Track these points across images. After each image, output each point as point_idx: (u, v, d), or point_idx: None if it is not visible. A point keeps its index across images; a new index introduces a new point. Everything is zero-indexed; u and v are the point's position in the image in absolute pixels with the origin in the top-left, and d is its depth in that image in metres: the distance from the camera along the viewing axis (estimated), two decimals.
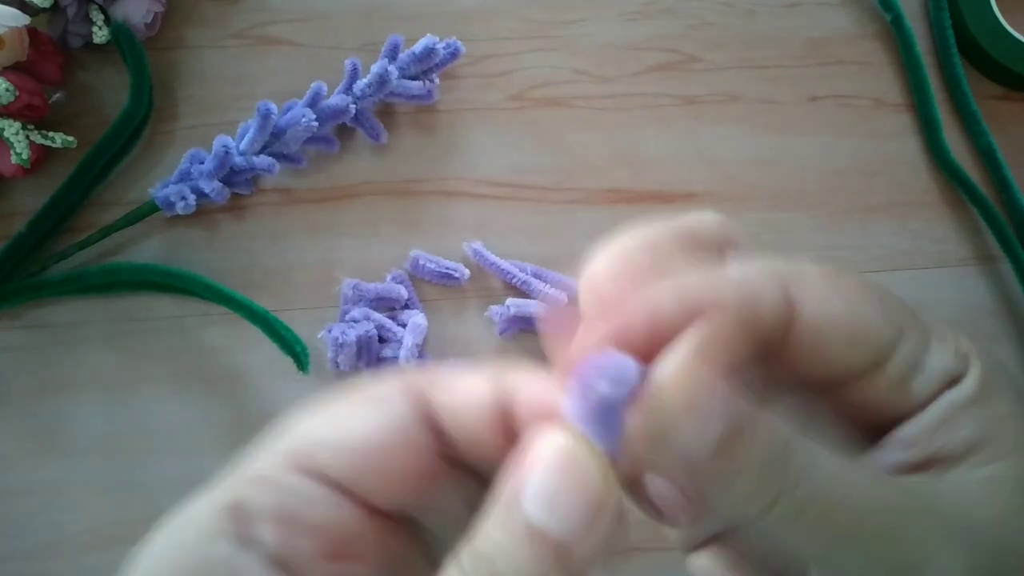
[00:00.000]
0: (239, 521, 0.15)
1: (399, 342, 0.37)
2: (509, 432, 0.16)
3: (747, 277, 0.16)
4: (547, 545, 0.14)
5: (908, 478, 0.16)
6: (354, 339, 0.36)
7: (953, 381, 0.16)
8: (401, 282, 0.38)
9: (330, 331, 0.36)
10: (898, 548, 0.15)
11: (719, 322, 0.15)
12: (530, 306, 0.37)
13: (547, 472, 0.14)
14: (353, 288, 0.37)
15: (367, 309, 0.37)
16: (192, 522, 0.15)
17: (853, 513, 0.15)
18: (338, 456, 0.16)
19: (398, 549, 0.17)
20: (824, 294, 0.16)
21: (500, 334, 0.38)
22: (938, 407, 0.16)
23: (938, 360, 0.16)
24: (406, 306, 0.38)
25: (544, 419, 0.15)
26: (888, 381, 0.16)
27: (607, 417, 0.14)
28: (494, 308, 0.38)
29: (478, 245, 0.38)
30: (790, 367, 0.17)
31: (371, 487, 0.16)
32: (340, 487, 0.16)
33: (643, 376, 0.15)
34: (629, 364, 0.14)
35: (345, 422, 0.16)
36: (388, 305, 0.38)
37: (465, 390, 0.16)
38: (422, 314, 0.37)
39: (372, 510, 0.16)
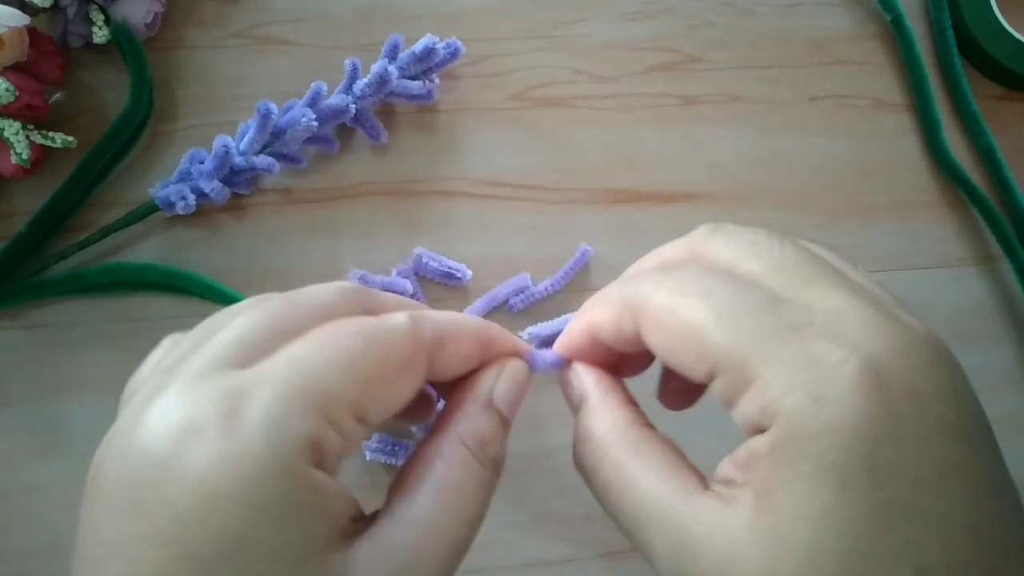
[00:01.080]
0: (320, 456, 0.18)
1: None
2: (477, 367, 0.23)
3: (598, 315, 0.22)
4: (504, 423, 0.22)
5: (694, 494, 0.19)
6: None
7: (754, 428, 0.18)
8: (407, 277, 0.38)
9: None
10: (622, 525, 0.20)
11: (571, 345, 0.24)
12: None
13: (513, 383, 0.23)
14: (360, 279, 0.37)
15: None
16: (286, 450, 0.17)
17: (600, 486, 0.21)
18: (383, 414, 0.20)
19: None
20: (655, 324, 0.20)
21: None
22: (745, 447, 0.18)
23: (744, 408, 0.18)
24: None
25: (510, 355, 0.23)
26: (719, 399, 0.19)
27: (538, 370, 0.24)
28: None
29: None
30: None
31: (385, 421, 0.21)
32: (368, 422, 0.20)
33: (560, 363, 0.24)
34: (556, 356, 0.24)
35: (394, 388, 0.20)
36: None
37: (464, 353, 0.22)
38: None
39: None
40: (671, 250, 0.22)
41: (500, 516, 0.36)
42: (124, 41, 0.38)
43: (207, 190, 0.36)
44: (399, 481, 0.20)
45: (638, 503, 0.19)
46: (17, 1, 0.36)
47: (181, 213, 0.37)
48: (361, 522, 0.19)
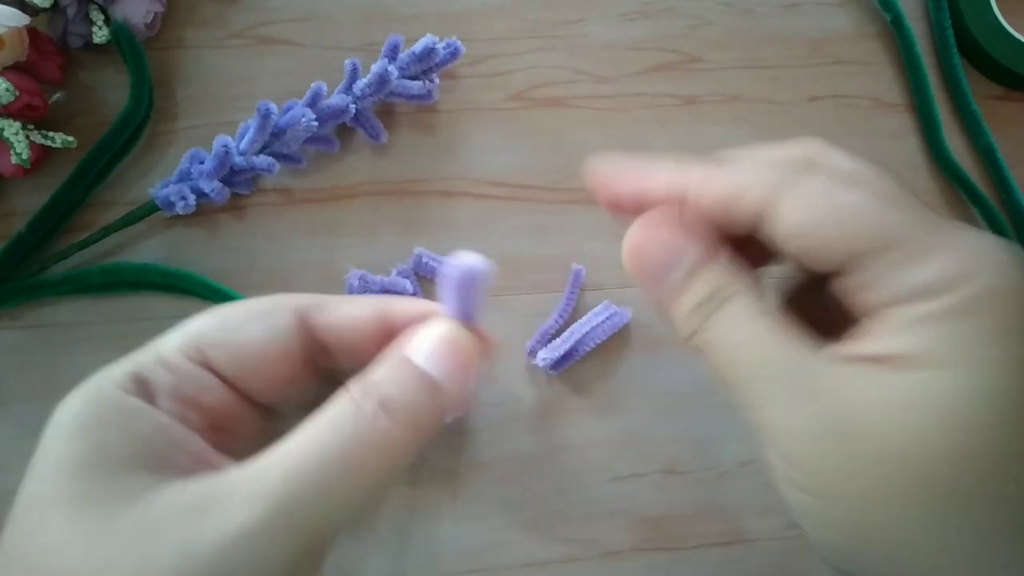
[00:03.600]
0: (143, 388, 0.19)
1: None
2: (384, 342, 0.21)
3: (734, 179, 0.20)
4: (425, 380, 0.19)
5: (826, 362, 0.18)
6: None
7: (930, 294, 0.17)
8: (407, 277, 0.38)
9: None
10: (740, 394, 0.19)
11: (686, 207, 0.20)
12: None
13: (432, 338, 0.20)
14: (359, 279, 0.37)
15: None
16: (104, 380, 0.19)
17: (729, 362, 0.19)
18: (225, 354, 0.20)
19: (265, 430, 0.21)
20: (808, 204, 0.19)
21: None
22: (900, 314, 0.18)
23: (916, 275, 0.18)
24: None
25: (420, 321, 0.21)
26: (858, 286, 0.19)
27: (465, 298, 0.20)
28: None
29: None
30: (776, 252, 0.20)
31: (249, 384, 0.21)
32: (226, 380, 0.20)
33: (486, 267, 0.20)
34: (473, 260, 0.20)
35: (236, 327, 0.20)
36: None
37: (349, 312, 0.21)
38: None
39: (249, 400, 0.21)
40: (782, 152, 0.21)
41: (500, 516, 0.36)
42: (124, 41, 0.38)
43: (207, 190, 0.36)
44: None
45: (780, 358, 0.18)
46: (17, 1, 0.36)
47: (181, 213, 0.37)
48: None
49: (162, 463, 0.18)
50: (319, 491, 0.17)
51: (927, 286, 0.17)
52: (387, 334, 0.21)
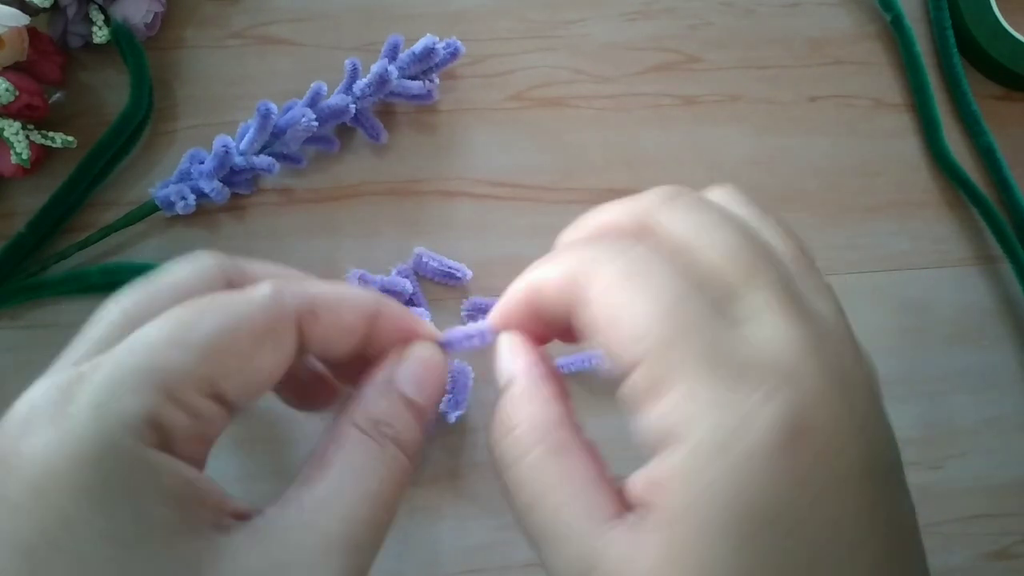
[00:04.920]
0: (162, 436, 0.17)
1: None
2: (366, 345, 0.21)
3: (542, 275, 0.20)
4: (414, 408, 0.21)
5: (607, 529, 0.17)
6: None
7: (661, 444, 0.17)
8: (407, 277, 0.38)
9: None
10: (527, 526, 0.19)
11: (507, 310, 0.21)
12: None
13: (419, 365, 0.21)
14: (359, 279, 0.37)
15: None
16: (116, 428, 0.16)
17: (526, 505, 0.19)
18: (239, 386, 0.18)
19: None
20: (593, 306, 0.18)
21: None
22: (658, 462, 0.17)
23: (654, 415, 0.17)
24: (410, 302, 0.38)
25: (406, 337, 0.22)
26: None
27: (460, 345, 0.23)
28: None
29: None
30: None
31: (245, 400, 0.19)
32: (231, 406, 0.19)
33: (485, 337, 0.22)
34: (481, 330, 0.22)
35: (248, 353, 0.18)
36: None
37: (340, 324, 0.20)
38: (428, 314, 0.37)
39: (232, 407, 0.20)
40: (620, 214, 0.21)
41: (500, 516, 0.36)
42: (124, 41, 0.38)
43: (207, 190, 0.36)
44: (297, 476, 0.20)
45: (549, 517, 0.18)
46: (17, 1, 0.36)
47: (181, 213, 0.37)
48: (246, 518, 0.18)
49: (198, 520, 0.17)
50: (373, 535, 0.19)
51: (655, 430, 0.17)
52: (370, 339, 0.21)
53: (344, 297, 0.21)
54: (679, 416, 0.16)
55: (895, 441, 0.18)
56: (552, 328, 0.21)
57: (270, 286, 0.19)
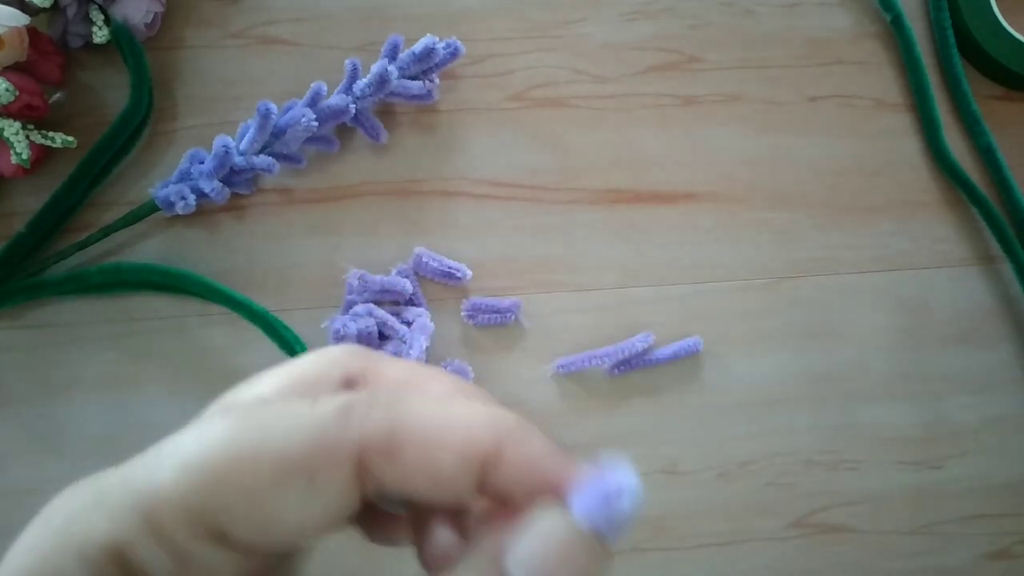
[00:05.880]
0: (125, 570, 0.14)
1: (400, 339, 0.37)
2: (474, 479, 0.15)
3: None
4: None
5: None
6: (355, 332, 0.36)
7: None
8: (407, 277, 0.38)
9: (332, 322, 0.36)
10: None
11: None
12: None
13: (543, 545, 0.14)
14: (359, 279, 0.37)
15: (370, 305, 0.37)
16: (66, 552, 0.13)
17: None
18: (249, 530, 0.14)
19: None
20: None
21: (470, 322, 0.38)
22: None
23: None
24: (410, 301, 0.38)
25: (538, 491, 0.15)
26: None
27: (610, 523, 0.14)
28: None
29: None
30: None
31: (281, 548, 0.15)
32: (238, 548, 0.14)
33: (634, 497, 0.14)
34: (626, 475, 0.15)
35: (265, 493, 0.14)
36: (392, 299, 0.38)
37: (430, 458, 0.14)
38: (428, 314, 0.37)
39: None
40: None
41: None
42: (124, 41, 0.38)
43: (207, 190, 0.36)
44: None
45: None
46: (17, 1, 0.36)
47: (181, 213, 0.37)
48: None
49: None
50: None
51: None
52: (485, 484, 0.15)
53: (449, 426, 0.15)
54: None
55: None
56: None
57: (341, 402, 0.14)
